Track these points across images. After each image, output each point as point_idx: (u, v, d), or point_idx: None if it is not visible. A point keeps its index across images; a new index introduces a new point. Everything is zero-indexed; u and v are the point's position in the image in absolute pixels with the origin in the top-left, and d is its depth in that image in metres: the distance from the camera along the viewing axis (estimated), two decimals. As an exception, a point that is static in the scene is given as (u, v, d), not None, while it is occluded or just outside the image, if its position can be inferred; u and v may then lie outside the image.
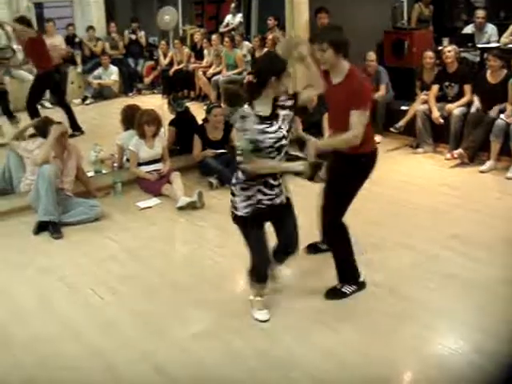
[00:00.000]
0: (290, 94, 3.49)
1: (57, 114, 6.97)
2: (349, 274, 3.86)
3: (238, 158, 3.33)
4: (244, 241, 3.47)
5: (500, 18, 8.63)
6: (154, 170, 5.91)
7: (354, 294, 3.82)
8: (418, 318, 3.57)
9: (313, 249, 4.36)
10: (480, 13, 7.98)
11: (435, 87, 6.81)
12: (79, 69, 10.10)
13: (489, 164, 6.17)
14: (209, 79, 9.41)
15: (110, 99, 9.74)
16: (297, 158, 3.45)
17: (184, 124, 6.57)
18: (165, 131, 6.46)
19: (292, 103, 3.42)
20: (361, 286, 3.87)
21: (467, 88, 6.62)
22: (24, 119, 7.00)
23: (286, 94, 3.41)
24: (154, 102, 8.12)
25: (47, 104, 8.30)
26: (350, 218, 3.79)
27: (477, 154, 6.38)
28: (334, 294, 3.82)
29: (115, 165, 6.24)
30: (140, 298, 3.96)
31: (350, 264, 3.85)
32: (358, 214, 4.04)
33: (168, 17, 9.67)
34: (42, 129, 5.44)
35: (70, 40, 10.16)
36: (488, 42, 7.82)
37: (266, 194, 3.38)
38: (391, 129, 6.99)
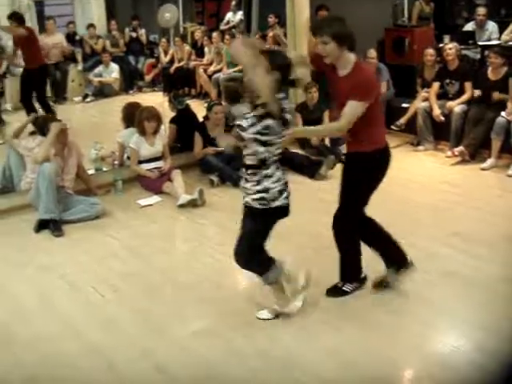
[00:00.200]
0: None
1: (59, 112, 6.98)
2: (351, 274, 3.84)
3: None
4: (247, 235, 3.37)
5: (501, 16, 8.62)
6: (155, 168, 5.90)
7: (356, 292, 3.80)
8: (420, 316, 3.57)
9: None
10: (481, 10, 7.98)
11: (436, 85, 6.80)
12: (80, 67, 10.12)
13: (490, 161, 6.16)
14: (209, 77, 9.43)
15: (110, 97, 9.76)
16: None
17: (185, 122, 6.55)
18: (165, 129, 6.45)
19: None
20: (362, 282, 3.86)
21: (468, 85, 6.61)
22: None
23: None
24: (155, 100, 8.13)
25: (50, 103, 8.30)
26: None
27: (478, 152, 6.37)
28: (335, 292, 3.81)
29: (116, 162, 6.22)
30: (141, 296, 3.96)
31: (355, 264, 3.82)
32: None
33: (169, 14, 9.70)
34: (42, 126, 5.42)
35: (71, 38, 10.18)
36: (489, 40, 7.82)
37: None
38: (392, 126, 6.96)
